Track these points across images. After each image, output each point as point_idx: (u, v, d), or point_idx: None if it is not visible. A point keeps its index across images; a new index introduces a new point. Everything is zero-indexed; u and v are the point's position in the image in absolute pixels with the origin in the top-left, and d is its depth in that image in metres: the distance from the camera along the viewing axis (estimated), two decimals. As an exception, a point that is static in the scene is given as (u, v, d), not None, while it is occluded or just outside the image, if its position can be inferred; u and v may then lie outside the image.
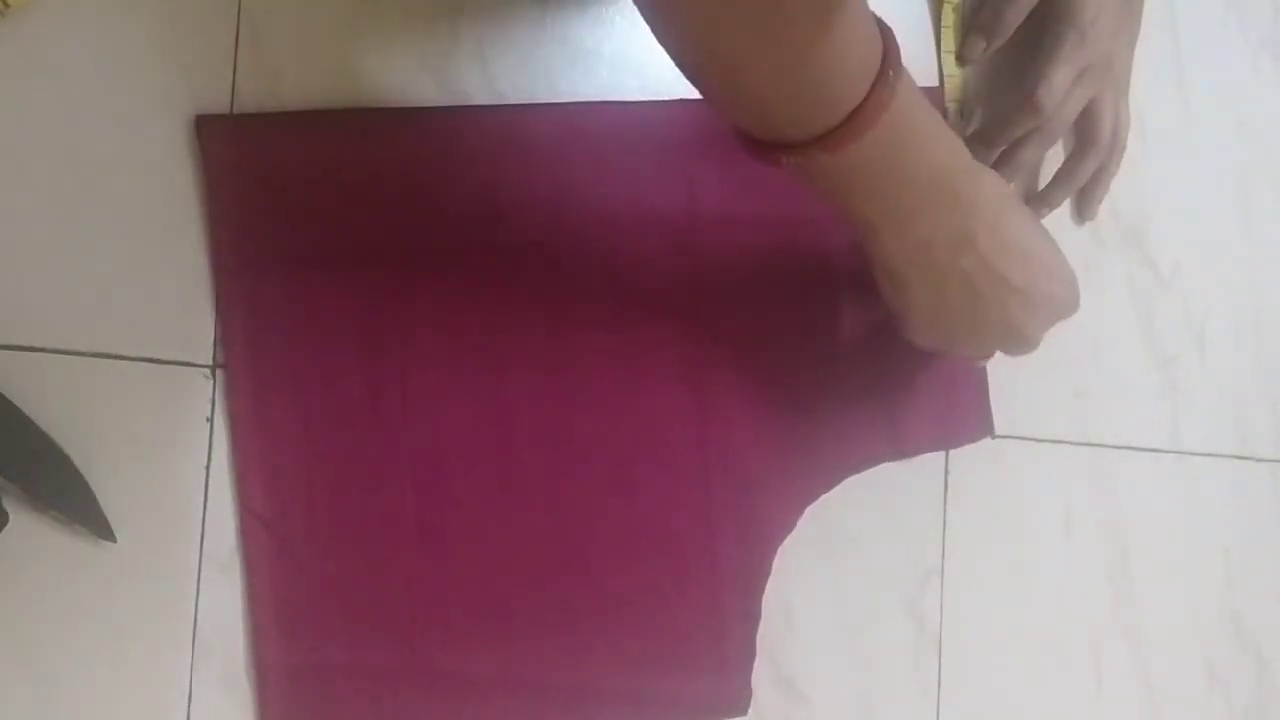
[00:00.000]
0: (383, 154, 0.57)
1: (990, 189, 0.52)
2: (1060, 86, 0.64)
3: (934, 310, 0.55)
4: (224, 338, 0.54)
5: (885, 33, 0.46)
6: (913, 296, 0.54)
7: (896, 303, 0.56)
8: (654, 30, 0.44)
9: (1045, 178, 0.71)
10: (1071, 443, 0.72)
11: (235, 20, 0.55)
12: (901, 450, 0.65)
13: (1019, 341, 0.57)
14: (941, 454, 0.67)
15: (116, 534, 0.51)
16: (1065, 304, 0.56)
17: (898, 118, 0.46)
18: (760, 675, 0.61)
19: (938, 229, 0.51)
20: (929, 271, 0.53)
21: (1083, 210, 0.72)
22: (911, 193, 0.50)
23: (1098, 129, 0.67)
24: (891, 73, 0.45)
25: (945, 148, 0.51)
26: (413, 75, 0.58)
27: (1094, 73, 0.65)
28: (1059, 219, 0.72)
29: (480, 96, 0.59)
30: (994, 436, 0.68)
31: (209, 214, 0.54)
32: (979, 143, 0.67)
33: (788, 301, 0.63)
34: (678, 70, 0.45)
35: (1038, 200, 0.70)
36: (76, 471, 0.51)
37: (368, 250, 0.56)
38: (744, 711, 0.61)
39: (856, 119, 0.45)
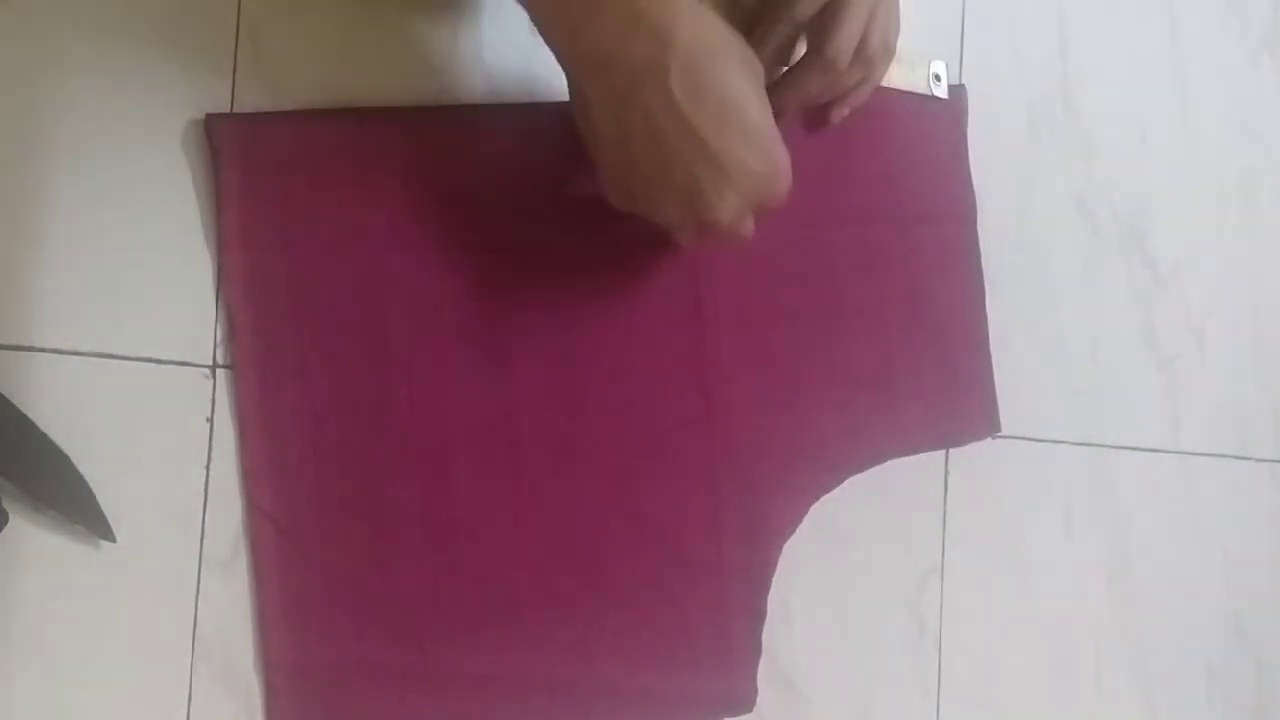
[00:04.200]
0: (389, 153, 0.57)
1: (700, 33, 0.47)
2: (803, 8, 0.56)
3: (614, 145, 0.50)
4: (231, 336, 0.54)
5: None
6: (595, 126, 0.49)
7: (580, 126, 0.51)
8: None
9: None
10: (1071, 443, 0.72)
11: (235, 20, 0.55)
12: (908, 447, 0.65)
13: (706, 212, 0.50)
14: (941, 454, 0.68)
15: (116, 534, 0.51)
16: (763, 181, 0.50)
17: None
18: (760, 674, 0.61)
19: (616, 47, 0.46)
20: (607, 95, 0.48)
21: (814, 121, 0.64)
22: None
23: (837, 30, 0.55)
24: None
25: None
26: (413, 75, 0.58)
27: None
28: (1057, 214, 0.72)
29: (480, 96, 0.59)
30: (994, 436, 0.68)
31: (217, 213, 0.54)
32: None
33: (794, 299, 0.63)
34: None
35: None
36: (76, 471, 0.51)
37: (375, 249, 0.56)
38: (749, 709, 0.61)
39: None
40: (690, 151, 0.48)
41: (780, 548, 0.62)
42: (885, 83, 0.67)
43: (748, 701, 0.61)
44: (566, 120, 0.53)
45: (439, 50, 0.59)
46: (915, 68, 0.68)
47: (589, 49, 0.47)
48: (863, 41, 0.57)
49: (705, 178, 0.49)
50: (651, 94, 0.47)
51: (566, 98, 0.57)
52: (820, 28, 0.56)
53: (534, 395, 0.58)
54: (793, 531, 0.62)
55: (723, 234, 0.52)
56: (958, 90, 0.70)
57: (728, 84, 0.48)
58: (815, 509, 0.63)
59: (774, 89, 0.58)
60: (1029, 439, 0.70)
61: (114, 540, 0.51)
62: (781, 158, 0.51)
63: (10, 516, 0.49)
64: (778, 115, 0.55)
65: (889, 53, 0.59)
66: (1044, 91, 0.74)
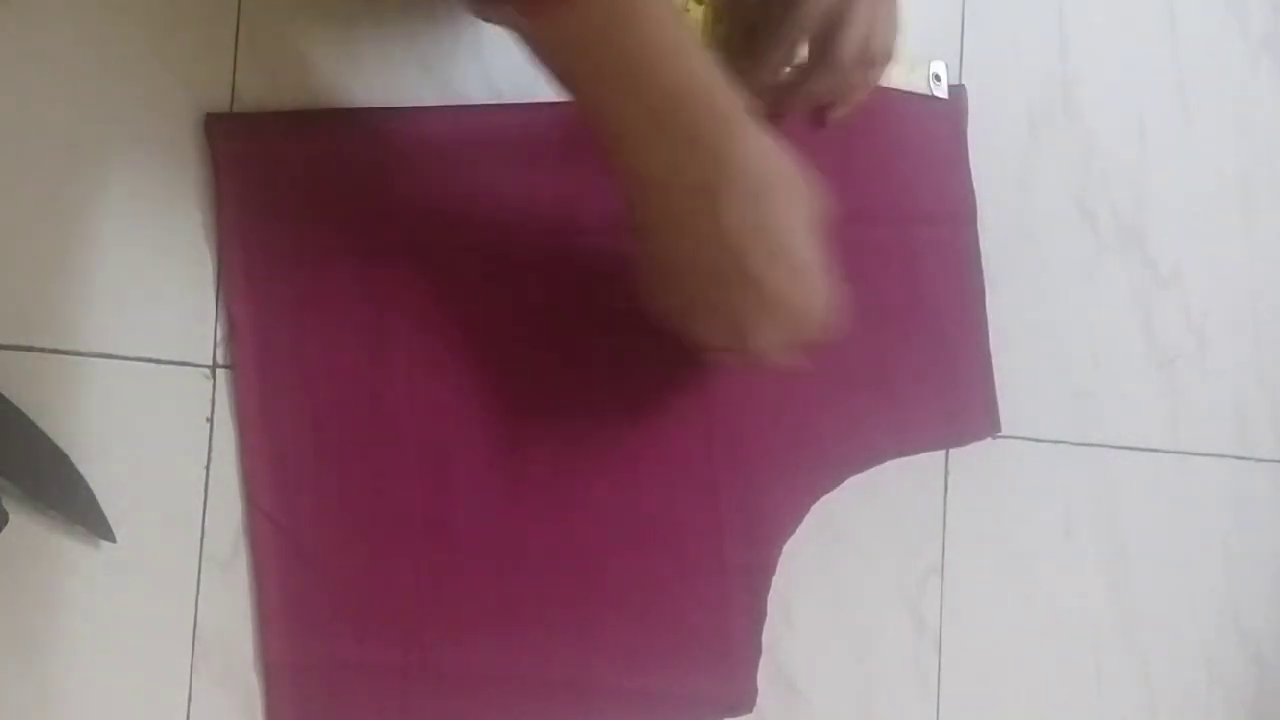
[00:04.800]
0: (390, 153, 0.57)
1: (758, 160, 0.47)
2: (812, 12, 0.56)
3: (665, 264, 0.50)
4: (231, 335, 0.54)
5: None
6: (648, 240, 0.50)
7: (639, 239, 0.51)
8: None
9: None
10: (1071, 443, 0.72)
11: (235, 20, 0.55)
12: (909, 447, 0.65)
13: (744, 342, 0.50)
14: (941, 454, 0.68)
15: (116, 534, 0.51)
16: (805, 318, 0.50)
17: (607, 11, 0.42)
18: (760, 674, 0.61)
19: (672, 173, 0.46)
20: (662, 218, 0.48)
21: (816, 119, 0.63)
22: (637, 115, 0.45)
23: (836, 43, 0.57)
24: None
25: (691, 84, 0.45)
26: (413, 75, 0.58)
27: None
28: (1057, 214, 0.72)
29: (480, 96, 0.59)
30: (994, 436, 0.68)
31: (217, 213, 0.54)
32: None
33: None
34: None
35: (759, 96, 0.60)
36: (76, 471, 0.51)
37: (375, 249, 0.56)
38: (749, 709, 0.61)
39: None
40: (737, 282, 0.48)
41: (780, 548, 0.62)
42: (885, 83, 0.67)
43: (748, 702, 0.61)
44: (572, 123, 0.53)
45: (439, 50, 0.59)
46: (915, 68, 0.68)
47: (648, 170, 0.47)
48: (865, 44, 0.57)
49: (749, 309, 0.49)
50: (704, 220, 0.47)
51: (566, 97, 0.57)
52: (825, 32, 0.56)
53: (534, 395, 0.58)
54: (793, 531, 0.62)
55: (754, 361, 0.52)
56: (958, 90, 0.70)
57: (779, 217, 0.48)
58: (815, 509, 0.63)
59: (779, 90, 0.59)
60: (1029, 439, 0.70)
61: (114, 540, 0.51)
62: (824, 291, 0.50)
63: (10, 516, 0.49)
64: (782, 116, 0.57)
65: (888, 55, 0.60)
66: (1044, 91, 0.74)
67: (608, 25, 0.43)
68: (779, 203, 0.48)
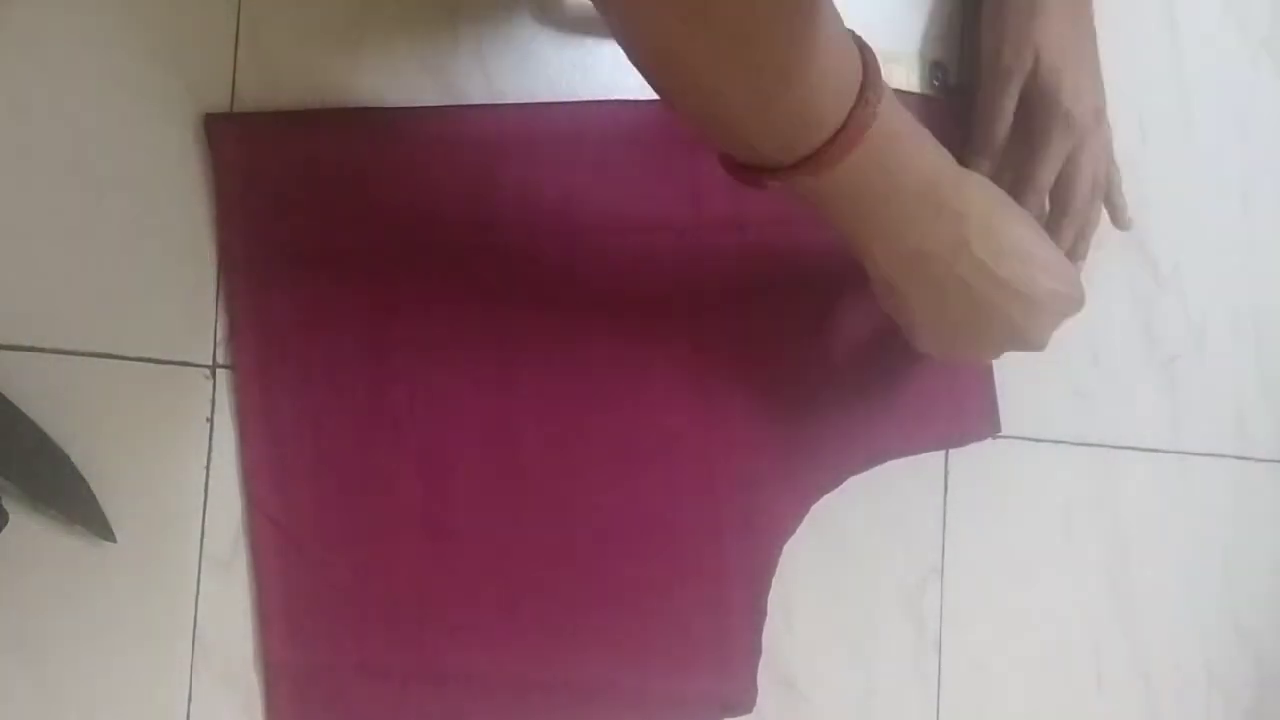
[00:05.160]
0: (390, 153, 0.57)
1: (979, 193, 0.52)
2: (1046, 183, 0.65)
3: (936, 320, 0.55)
4: (232, 336, 0.54)
5: (865, 50, 0.46)
6: (913, 307, 0.54)
7: (898, 315, 0.56)
8: (629, 56, 0.44)
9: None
10: (1071, 443, 0.72)
11: (235, 20, 0.55)
12: (909, 447, 0.65)
13: (1025, 343, 0.56)
14: (941, 454, 0.68)
15: (116, 534, 0.51)
16: (1069, 300, 0.56)
17: (880, 136, 0.46)
18: (760, 674, 0.61)
19: (929, 239, 0.51)
20: (926, 283, 0.53)
21: None
22: (899, 206, 0.50)
23: (1072, 194, 0.66)
24: (871, 92, 0.45)
25: (930, 159, 0.51)
26: (413, 75, 0.58)
27: (1084, 138, 0.65)
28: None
29: (480, 96, 0.59)
30: (995, 436, 0.68)
31: (218, 213, 0.54)
32: None
33: (793, 300, 0.63)
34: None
35: None
36: (76, 471, 0.51)
37: (376, 249, 0.56)
38: (749, 709, 0.61)
39: (838, 141, 0.45)
40: (1004, 299, 0.53)
41: (780, 548, 0.62)
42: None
43: (748, 702, 0.61)
44: (572, 123, 0.53)
45: (439, 50, 0.59)
46: (915, 68, 0.68)
47: (905, 250, 0.51)
48: (1095, 180, 0.66)
49: (1020, 315, 0.54)
50: (964, 267, 0.52)
51: (566, 98, 0.57)
52: (1061, 186, 0.65)
53: (533, 396, 0.58)
54: (793, 531, 0.62)
55: (1037, 349, 0.57)
56: (958, 90, 0.70)
57: (1012, 227, 0.53)
58: (815, 509, 0.63)
59: None
60: (1029, 439, 0.70)
61: (114, 540, 0.51)
62: (1071, 271, 0.56)
63: (10, 516, 0.49)
64: None
65: (1110, 180, 0.68)
66: (1044, 91, 0.74)
67: (882, 149, 0.47)
68: (1008, 221, 0.53)
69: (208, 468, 0.54)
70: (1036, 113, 0.65)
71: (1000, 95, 0.65)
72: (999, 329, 0.55)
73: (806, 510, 0.63)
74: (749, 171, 0.48)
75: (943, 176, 0.51)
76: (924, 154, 0.50)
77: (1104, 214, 0.71)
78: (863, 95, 0.45)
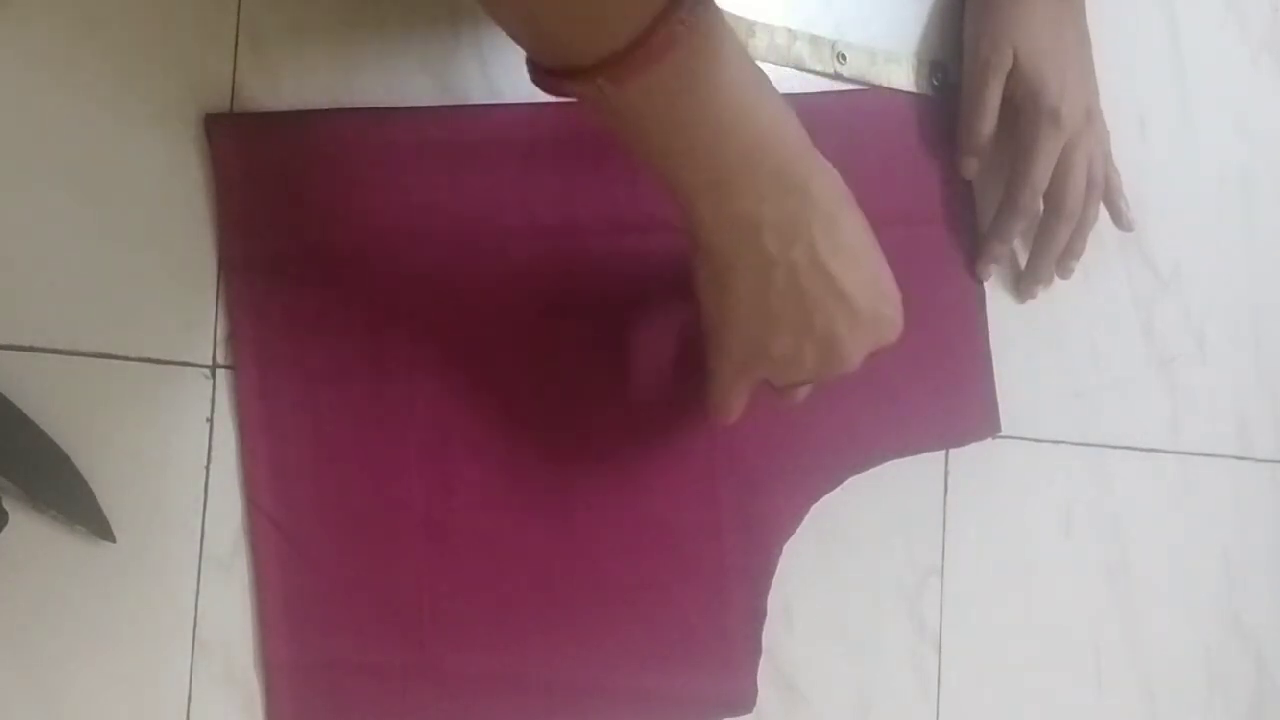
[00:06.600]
0: (389, 153, 0.57)
1: (828, 180, 0.49)
2: (1040, 182, 0.64)
3: (751, 311, 0.50)
4: (232, 335, 0.54)
5: None
6: (732, 287, 0.50)
7: (710, 298, 0.52)
8: None
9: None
10: (1071, 443, 0.72)
11: (235, 20, 0.55)
12: (908, 447, 0.65)
13: (839, 359, 0.52)
14: (941, 454, 0.68)
15: (116, 534, 0.51)
16: (891, 324, 0.52)
17: (697, 63, 0.43)
18: (760, 674, 0.61)
19: (768, 206, 0.47)
20: (754, 256, 0.49)
21: (1060, 270, 0.70)
22: (728, 160, 0.46)
23: (1066, 193, 0.65)
24: (686, 9, 0.41)
25: (774, 122, 0.47)
26: (412, 75, 0.58)
27: (1076, 137, 0.65)
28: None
29: (480, 96, 0.59)
30: (995, 436, 0.68)
31: (218, 213, 0.54)
32: (994, 240, 0.68)
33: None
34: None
35: (1029, 279, 0.70)
36: (76, 471, 0.51)
37: (376, 249, 0.56)
38: (749, 709, 0.61)
39: (639, 49, 0.41)
40: (831, 300, 0.50)
41: (780, 548, 0.62)
42: (885, 83, 0.67)
43: (748, 701, 0.61)
44: (571, 123, 0.53)
45: (439, 50, 0.59)
46: (915, 68, 0.68)
47: (737, 211, 0.48)
48: (1090, 178, 0.65)
49: (842, 327, 0.51)
50: (800, 251, 0.48)
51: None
52: (1056, 184, 0.65)
53: (534, 396, 0.58)
54: (793, 531, 0.62)
55: (844, 371, 0.53)
56: (958, 90, 0.70)
57: (856, 229, 0.50)
58: (815, 509, 0.63)
59: (1034, 263, 0.69)
60: (1029, 439, 0.70)
61: (114, 540, 0.51)
62: (897, 298, 0.53)
63: (10, 516, 0.49)
64: (1038, 279, 0.69)
65: (1107, 178, 0.68)
66: (1044, 91, 0.74)
67: (696, 75, 0.44)
68: (852, 217, 0.50)
69: (208, 468, 0.53)
70: (1023, 110, 0.65)
71: (982, 89, 0.65)
72: (818, 333, 0.51)
73: (806, 510, 0.63)
74: (553, 77, 0.44)
75: (788, 146, 0.48)
76: (764, 110, 0.47)
77: (1103, 212, 0.71)
78: (676, 5, 0.41)
